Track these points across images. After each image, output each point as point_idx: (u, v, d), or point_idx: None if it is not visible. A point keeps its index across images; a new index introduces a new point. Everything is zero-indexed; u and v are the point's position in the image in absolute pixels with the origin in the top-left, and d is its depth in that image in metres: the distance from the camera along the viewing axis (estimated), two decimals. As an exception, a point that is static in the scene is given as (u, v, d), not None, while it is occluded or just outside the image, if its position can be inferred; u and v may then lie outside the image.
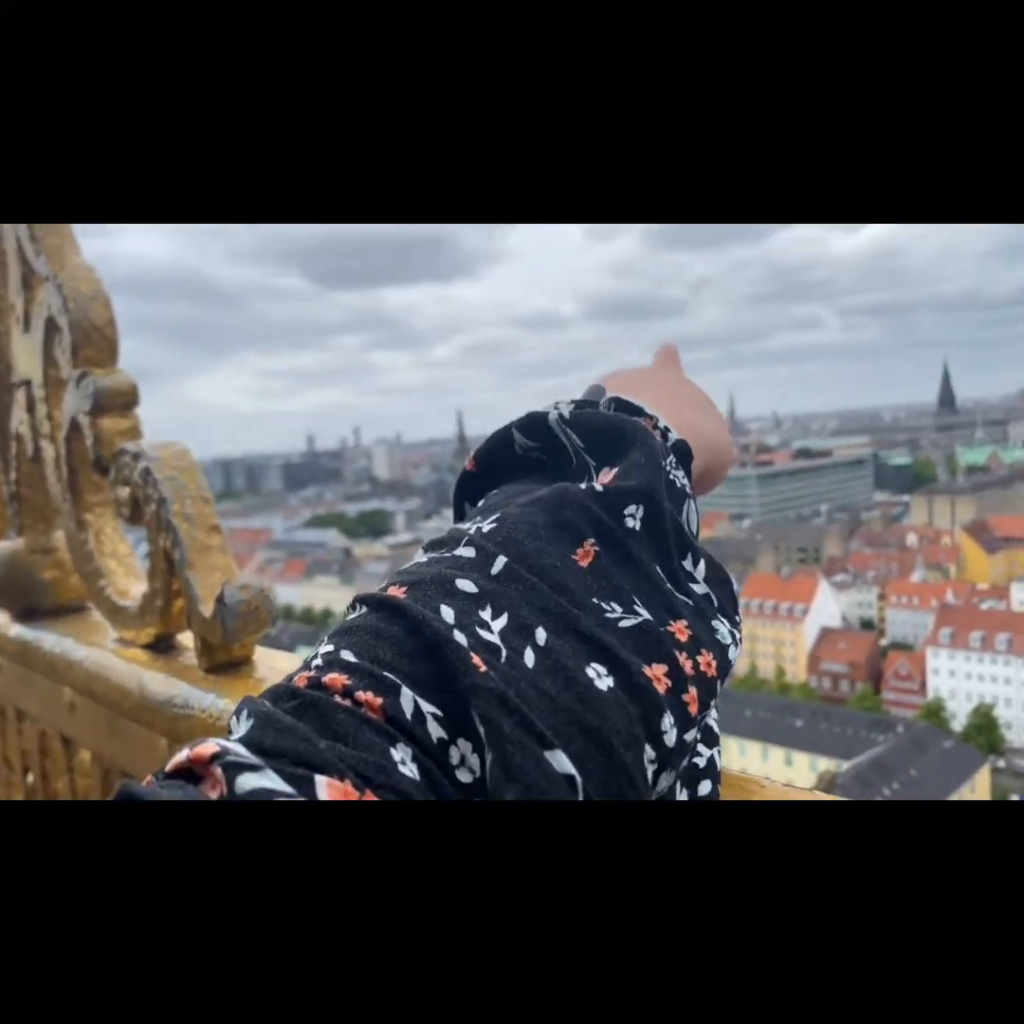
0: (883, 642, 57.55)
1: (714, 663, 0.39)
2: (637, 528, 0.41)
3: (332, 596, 79.50)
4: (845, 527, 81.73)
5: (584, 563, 0.39)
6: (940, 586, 59.12)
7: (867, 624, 61.54)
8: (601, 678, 0.35)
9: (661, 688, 0.36)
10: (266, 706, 0.32)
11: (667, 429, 0.47)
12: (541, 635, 0.35)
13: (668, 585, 0.40)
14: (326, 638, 0.36)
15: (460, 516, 0.50)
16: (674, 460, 0.45)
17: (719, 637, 0.41)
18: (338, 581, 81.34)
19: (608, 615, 0.37)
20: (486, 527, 0.40)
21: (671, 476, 0.44)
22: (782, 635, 56.67)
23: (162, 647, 0.89)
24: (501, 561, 0.38)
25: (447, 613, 0.35)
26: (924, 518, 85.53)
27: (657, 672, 0.37)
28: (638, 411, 0.48)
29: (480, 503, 0.48)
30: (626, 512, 0.41)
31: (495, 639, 0.35)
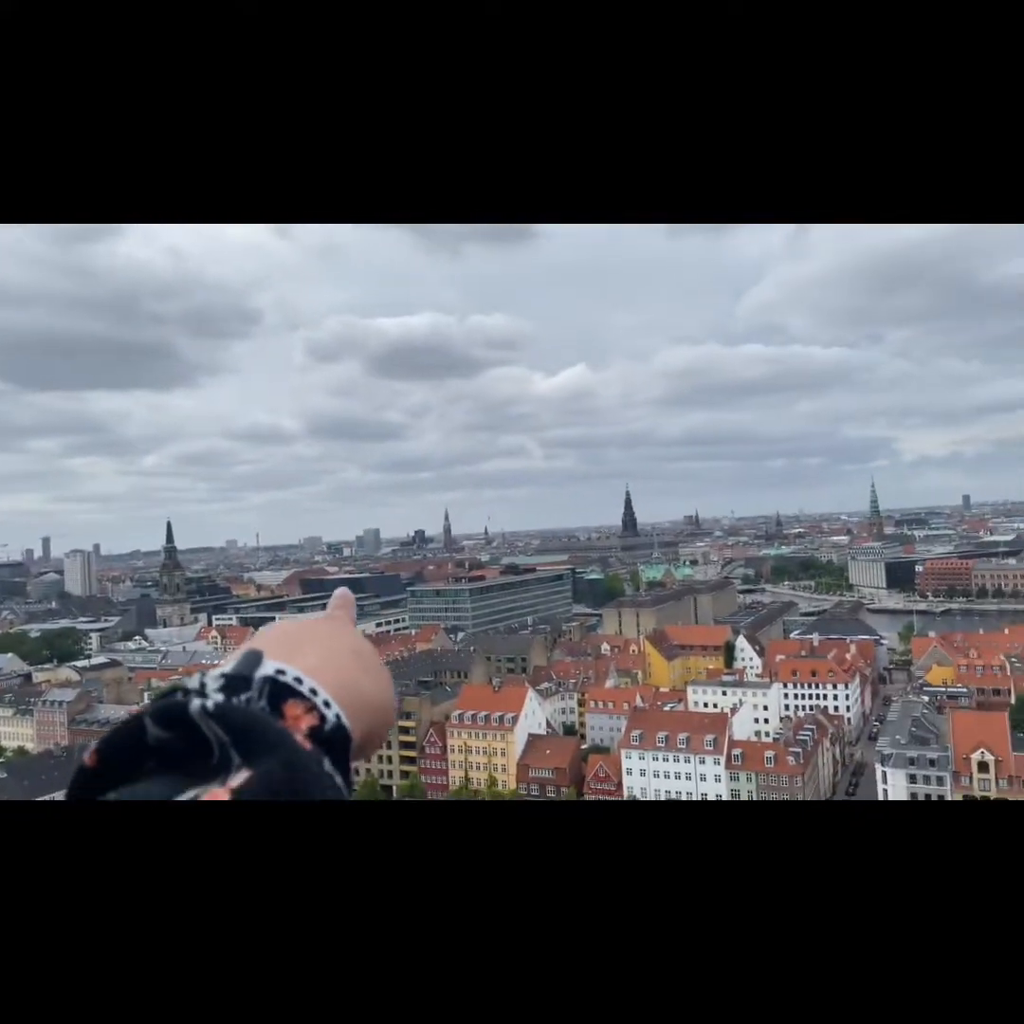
0: (584, 746, 61.51)
1: None
2: None
3: (3, 730, 69.64)
4: (549, 638, 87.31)
5: None
6: (630, 691, 64.89)
7: (569, 729, 65.54)
8: None
9: None
10: None
11: (326, 713, 0.48)
12: None
13: None
14: None
15: None
16: (328, 762, 0.45)
17: None
18: (12, 713, 71.56)
19: None
20: None
21: (327, 783, 0.44)
22: (494, 745, 58.71)
23: None
24: None
25: None
26: (615, 628, 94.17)
27: None
28: (295, 692, 0.48)
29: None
30: None
31: None
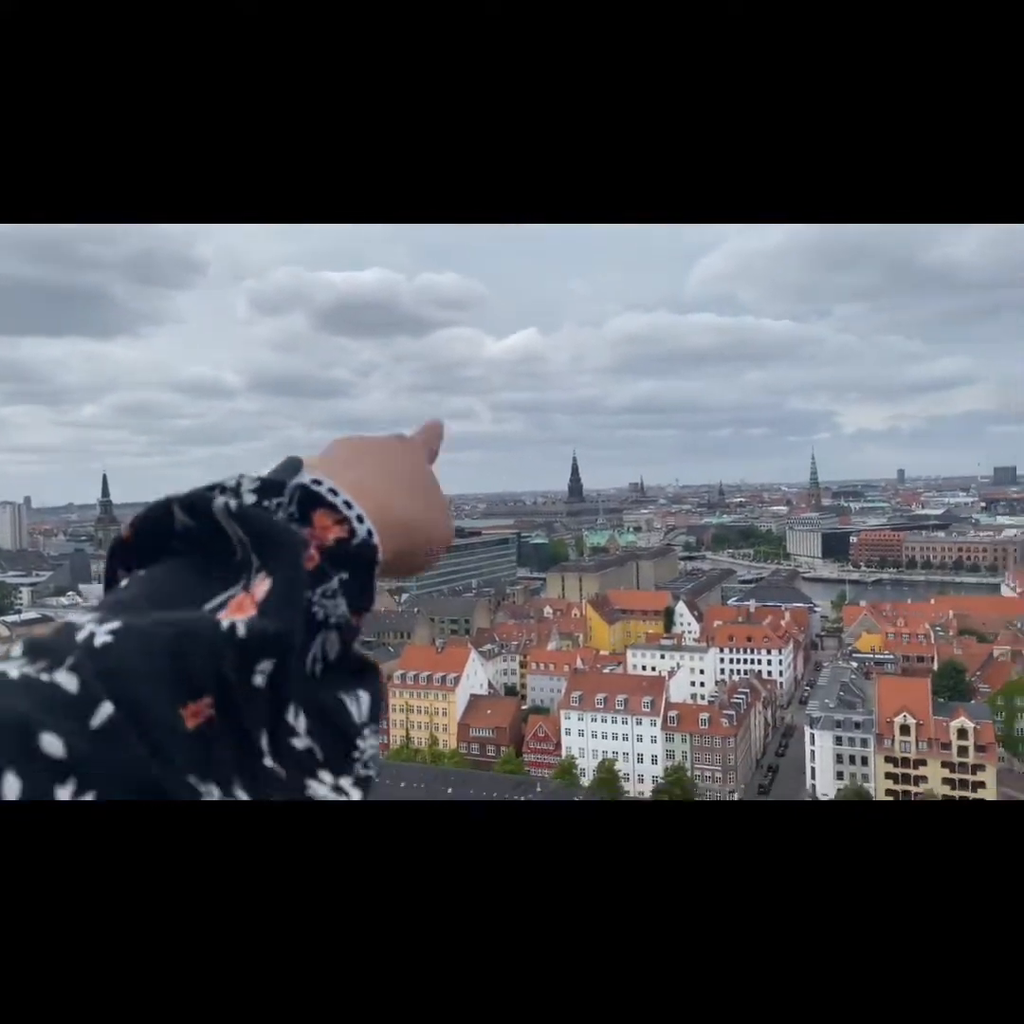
0: (525, 707, 62.38)
1: None
2: (262, 686, 0.40)
3: (-69, 686, 67.58)
4: (493, 600, 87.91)
5: (191, 724, 0.37)
6: (571, 654, 65.84)
7: (511, 690, 66.38)
8: None
9: None
10: None
11: (357, 528, 0.47)
12: None
13: (265, 761, 0.40)
14: None
15: (110, 583, 0.48)
16: (330, 588, 0.45)
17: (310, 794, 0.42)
18: (-60, 667, 69.35)
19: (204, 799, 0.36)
20: (100, 639, 0.37)
21: (313, 608, 0.44)
22: (435, 704, 59.19)
23: None
24: (104, 711, 0.34)
25: (9, 787, 0.30)
26: (558, 592, 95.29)
27: None
28: (327, 503, 0.48)
29: (126, 581, 0.46)
30: (258, 668, 0.40)
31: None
